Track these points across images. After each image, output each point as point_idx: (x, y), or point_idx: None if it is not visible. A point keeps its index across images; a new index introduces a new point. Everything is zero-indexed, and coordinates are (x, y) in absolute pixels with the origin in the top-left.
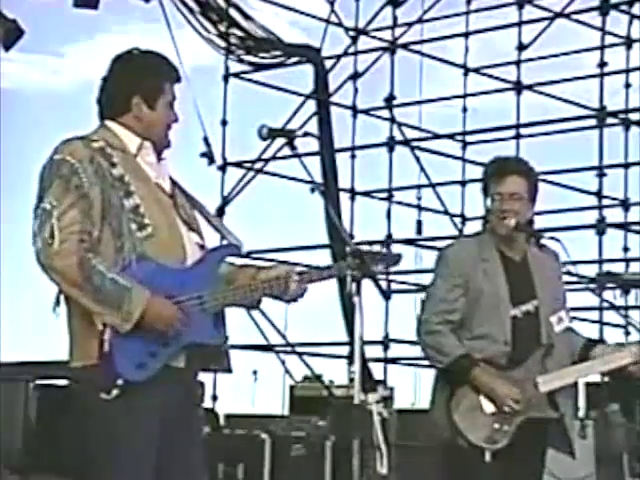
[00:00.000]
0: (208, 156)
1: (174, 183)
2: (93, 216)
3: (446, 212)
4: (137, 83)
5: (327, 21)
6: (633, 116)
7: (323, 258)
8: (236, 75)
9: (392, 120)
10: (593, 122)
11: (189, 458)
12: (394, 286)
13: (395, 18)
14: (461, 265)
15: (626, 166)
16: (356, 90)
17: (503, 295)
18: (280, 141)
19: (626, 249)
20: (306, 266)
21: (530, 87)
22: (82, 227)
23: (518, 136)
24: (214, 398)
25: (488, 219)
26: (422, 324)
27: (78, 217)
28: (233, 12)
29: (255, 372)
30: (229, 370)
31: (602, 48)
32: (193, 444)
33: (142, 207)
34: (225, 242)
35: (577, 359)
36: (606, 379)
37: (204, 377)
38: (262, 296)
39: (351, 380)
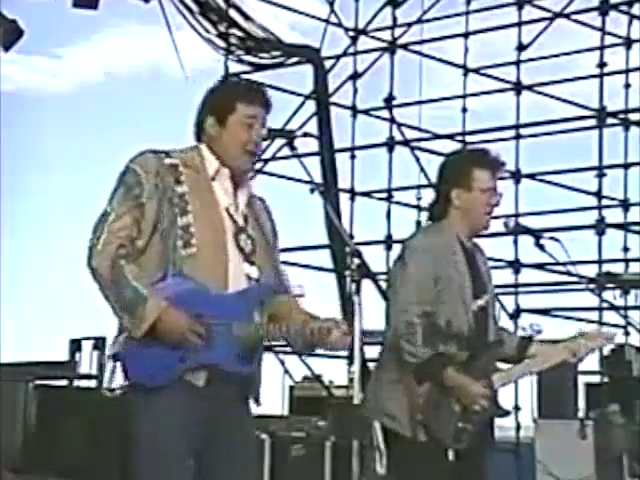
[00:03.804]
0: None
1: (254, 213)
2: (143, 226)
3: None
4: (211, 104)
5: (327, 21)
6: (633, 116)
7: (323, 258)
8: (236, 75)
9: (392, 120)
10: (593, 122)
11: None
12: None
13: (395, 18)
14: (431, 255)
15: (626, 166)
16: (356, 90)
17: (467, 288)
18: (280, 141)
19: (626, 249)
20: (304, 266)
21: (530, 87)
22: (128, 234)
23: (518, 136)
24: None
25: (463, 209)
26: (399, 314)
27: (128, 224)
28: (233, 12)
29: None
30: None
31: (602, 48)
32: (226, 463)
33: (193, 227)
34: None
35: (516, 357)
36: (606, 379)
37: None
38: (294, 338)
39: (351, 380)
